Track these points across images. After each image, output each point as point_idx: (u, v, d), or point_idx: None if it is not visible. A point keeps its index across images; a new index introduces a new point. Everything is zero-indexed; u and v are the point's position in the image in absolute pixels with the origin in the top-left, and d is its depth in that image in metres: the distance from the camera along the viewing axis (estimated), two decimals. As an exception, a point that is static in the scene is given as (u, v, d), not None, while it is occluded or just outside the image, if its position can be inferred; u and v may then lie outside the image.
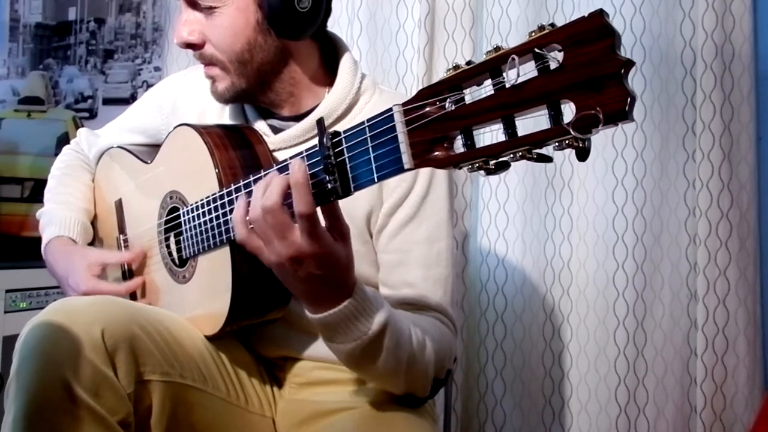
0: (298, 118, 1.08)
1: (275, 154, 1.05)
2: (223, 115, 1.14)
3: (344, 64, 1.08)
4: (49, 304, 0.89)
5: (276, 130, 1.09)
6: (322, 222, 0.79)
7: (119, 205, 1.22)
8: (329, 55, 1.11)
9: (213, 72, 1.05)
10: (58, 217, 1.21)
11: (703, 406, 1.61)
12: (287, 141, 1.06)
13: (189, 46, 1.04)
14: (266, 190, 0.79)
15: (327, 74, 1.10)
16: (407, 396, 1.00)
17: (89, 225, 1.25)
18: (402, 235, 1.03)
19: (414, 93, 0.69)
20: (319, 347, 1.07)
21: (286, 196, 0.78)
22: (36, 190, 2.21)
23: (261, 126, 1.09)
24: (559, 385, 1.74)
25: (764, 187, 1.69)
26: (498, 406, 1.78)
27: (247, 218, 0.81)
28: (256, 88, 1.06)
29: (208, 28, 1.02)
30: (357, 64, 1.10)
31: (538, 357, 1.75)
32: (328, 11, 1.06)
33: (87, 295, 1.08)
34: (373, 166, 0.71)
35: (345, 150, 0.73)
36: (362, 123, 0.71)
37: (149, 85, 2.12)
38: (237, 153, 0.99)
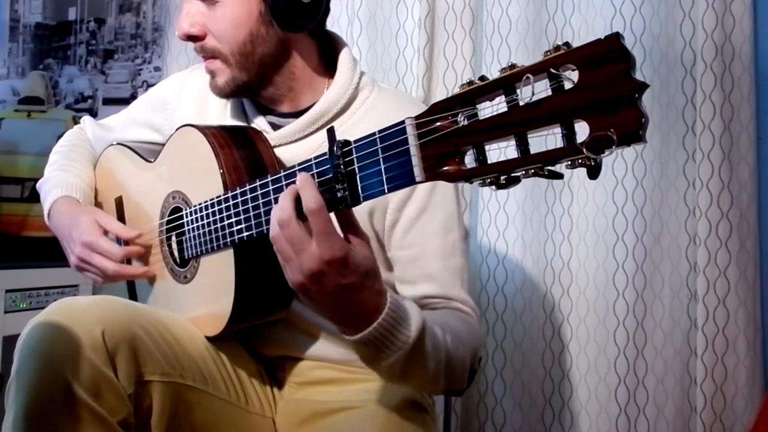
0: (297, 114, 1.08)
1: (275, 150, 1.05)
2: (224, 111, 1.14)
3: (343, 61, 1.08)
4: (49, 304, 0.89)
5: (275, 127, 1.09)
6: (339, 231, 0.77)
7: (119, 202, 1.21)
8: (328, 53, 1.11)
9: (214, 65, 1.05)
10: (64, 182, 1.21)
11: (703, 406, 1.61)
12: (287, 137, 1.07)
13: (191, 38, 1.04)
14: (278, 206, 0.77)
15: (326, 71, 1.10)
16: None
17: (92, 195, 1.24)
18: (416, 228, 1.03)
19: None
20: (319, 347, 1.07)
21: (300, 208, 0.77)
22: (36, 190, 2.21)
23: (260, 122, 1.09)
24: (559, 385, 1.74)
25: (764, 187, 1.69)
26: (498, 406, 1.78)
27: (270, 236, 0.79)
28: (256, 81, 1.06)
29: (211, 19, 1.02)
30: (356, 60, 1.10)
31: (538, 357, 1.75)
32: (326, 10, 1.06)
33: (86, 245, 1.09)
34: (384, 177, 0.71)
35: (355, 160, 0.74)
36: (373, 134, 0.72)
37: (149, 85, 2.12)
38: (241, 154, 0.99)
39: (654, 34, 1.68)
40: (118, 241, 1.19)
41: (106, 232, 1.11)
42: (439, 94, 1.74)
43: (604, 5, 1.69)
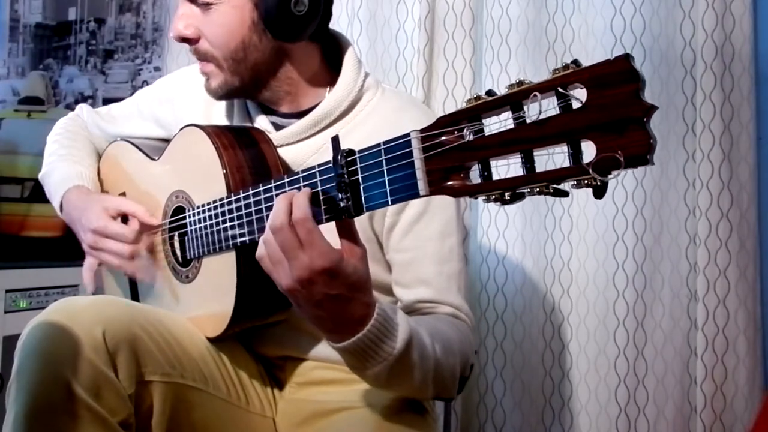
0: (299, 115, 1.08)
1: (278, 150, 1.05)
2: (230, 110, 1.14)
3: (347, 63, 1.07)
4: (49, 304, 0.89)
5: (277, 127, 1.09)
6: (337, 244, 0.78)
7: None
8: (332, 53, 1.11)
9: (207, 69, 1.06)
10: (72, 172, 1.20)
11: (703, 406, 1.61)
12: (288, 138, 1.06)
13: (184, 40, 1.04)
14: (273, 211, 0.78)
15: (329, 73, 1.09)
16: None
17: (98, 181, 1.24)
18: (414, 232, 1.03)
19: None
20: (320, 347, 1.07)
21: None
22: (36, 190, 2.20)
23: (262, 122, 1.09)
24: (559, 385, 1.74)
25: (764, 187, 1.69)
26: (498, 406, 1.78)
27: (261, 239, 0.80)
28: (250, 86, 1.06)
29: (204, 23, 1.02)
30: (360, 62, 1.10)
31: (538, 357, 1.75)
32: (328, 15, 1.05)
33: (96, 232, 1.07)
34: (388, 189, 0.71)
35: (359, 170, 0.74)
36: (378, 145, 0.71)
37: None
38: (245, 155, 0.99)
39: (654, 34, 1.67)
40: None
41: (116, 216, 1.10)
42: (439, 95, 1.74)
43: (604, 5, 1.69)
